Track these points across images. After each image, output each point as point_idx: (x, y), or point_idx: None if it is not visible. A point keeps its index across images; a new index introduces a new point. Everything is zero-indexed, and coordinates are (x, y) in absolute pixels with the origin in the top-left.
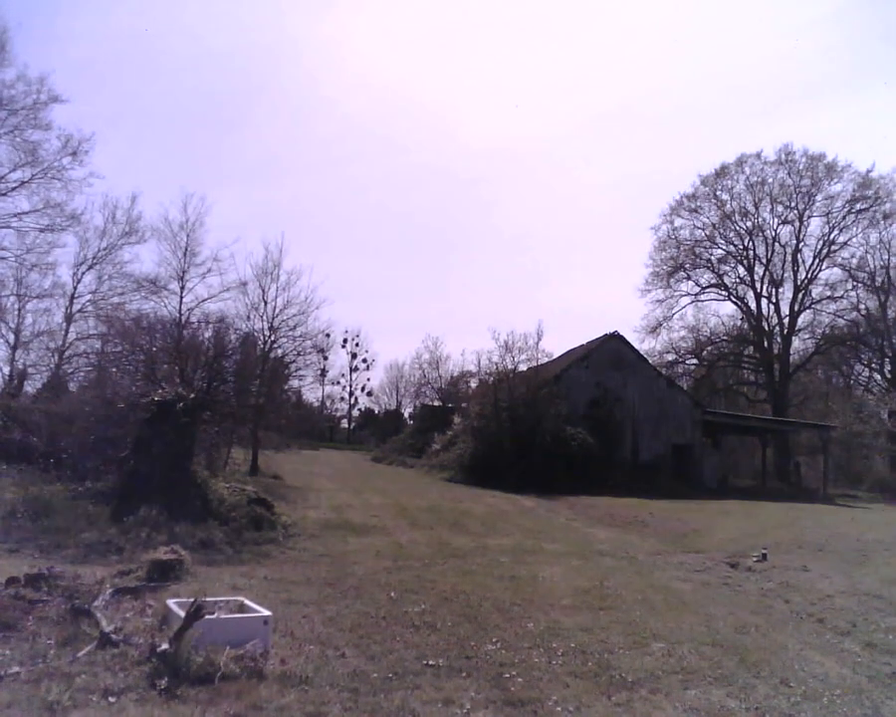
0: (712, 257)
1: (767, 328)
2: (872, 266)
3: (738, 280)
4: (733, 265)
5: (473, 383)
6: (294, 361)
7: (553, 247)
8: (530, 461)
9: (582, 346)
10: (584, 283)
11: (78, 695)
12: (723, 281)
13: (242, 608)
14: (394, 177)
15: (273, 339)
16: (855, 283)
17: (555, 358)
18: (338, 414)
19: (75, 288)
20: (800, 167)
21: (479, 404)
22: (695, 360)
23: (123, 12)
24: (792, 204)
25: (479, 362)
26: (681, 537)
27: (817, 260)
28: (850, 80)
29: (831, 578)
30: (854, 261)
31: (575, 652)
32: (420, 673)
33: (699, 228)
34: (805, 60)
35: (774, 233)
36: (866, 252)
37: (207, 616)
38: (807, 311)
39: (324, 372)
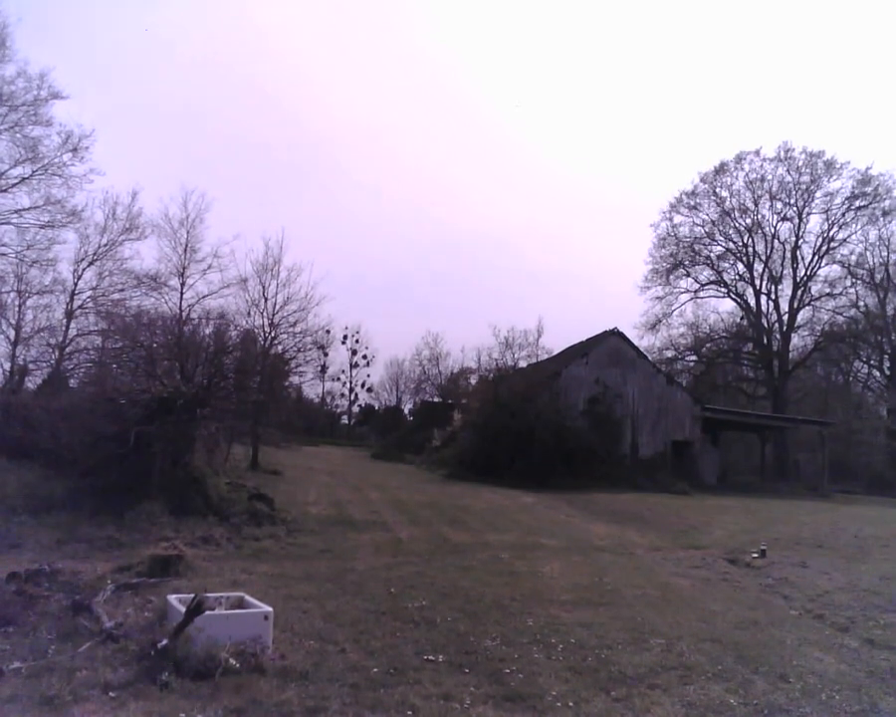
0: (711, 254)
1: (766, 324)
2: (871, 263)
3: (737, 277)
4: (732, 262)
5: (473, 380)
6: (294, 358)
7: (553, 243)
8: (529, 457)
9: (582, 342)
10: (585, 279)
11: (78, 690)
12: (722, 278)
13: (242, 604)
14: (394, 173)
15: (273, 335)
16: (854, 280)
17: (554, 354)
18: (339, 410)
19: (75, 284)
20: (800, 164)
21: (479, 401)
22: (694, 357)
23: (124, 9)
24: (792, 201)
25: (479, 359)
26: (680, 533)
27: (817, 257)
28: (851, 77)
29: (830, 574)
30: (853, 258)
31: (575, 648)
32: (420, 669)
33: (698, 225)
34: (805, 58)
35: (773, 230)
36: (865, 249)
37: (208, 612)
38: (807, 308)
39: (324, 369)
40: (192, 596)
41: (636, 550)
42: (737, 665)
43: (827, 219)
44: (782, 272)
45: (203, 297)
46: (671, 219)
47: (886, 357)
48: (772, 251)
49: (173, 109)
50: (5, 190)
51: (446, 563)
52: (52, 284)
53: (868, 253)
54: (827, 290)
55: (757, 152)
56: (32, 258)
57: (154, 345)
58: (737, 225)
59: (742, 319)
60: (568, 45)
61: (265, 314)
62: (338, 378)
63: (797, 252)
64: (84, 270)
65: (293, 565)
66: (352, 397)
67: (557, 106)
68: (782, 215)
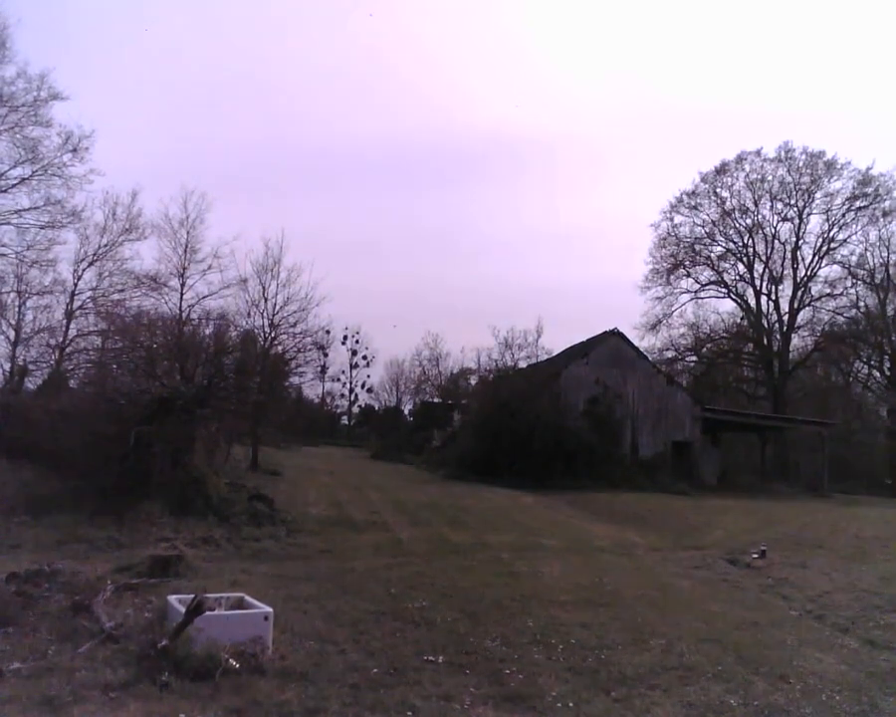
0: (712, 254)
1: (766, 325)
2: (872, 263)
3: (737, 277)
4: (732, 262)
5: (473, 380)
6: (294, 358)
7: (553, 243)
8: (529, 458)
9: (582, 342)
10: (585, 279)
11: (78, 690)
12: (722, 278)
13: (242, 604)
14: (393, 173)
15: (273, 335)
16: (855, 280)
17: (554, 354)
18: (339, 411)
19: (75, 284)
20: (800, 165)
21: (479, 401)
22: (694, 358)
23: (124, 10)
24: (792, 201)
25: (479, 360)
26: (680, 534)
27: (817, 257)
28: (851, 77)
29: (830, 574)
30: (854, 258)
31: (575, 648)
32: (420, 669)
33: (699, 225)
34: (805, 58)
35: (773, 230)
36: (866, 249)
37: (208, 612)
38: (807, 308)
39: (324, 369)
40: (192, 596)
41: (636, 550)
42: (737, 666)
43: (828, 220)
44: (782, 272)
45: (203, 297)
46: (671, 219)
47: (886, 357)
48: (772, 251)
49: (173, 108)
50: (5, 191)
51: (446, 563)
52: (52, 284)
53: (868, 253)
54: (828, 290)
55: (757, 153)
56: (32, 258)
57: (154, 345)
58: (737, 225)
59: (742, 319)
60: (569, 44)
61: (265, 314)
62: (339, 379)
63: (798, 252)
64: (84, 270)
65: (293, 565)
66: (352, 398)
67: (556, 105)
68: (782, 215)
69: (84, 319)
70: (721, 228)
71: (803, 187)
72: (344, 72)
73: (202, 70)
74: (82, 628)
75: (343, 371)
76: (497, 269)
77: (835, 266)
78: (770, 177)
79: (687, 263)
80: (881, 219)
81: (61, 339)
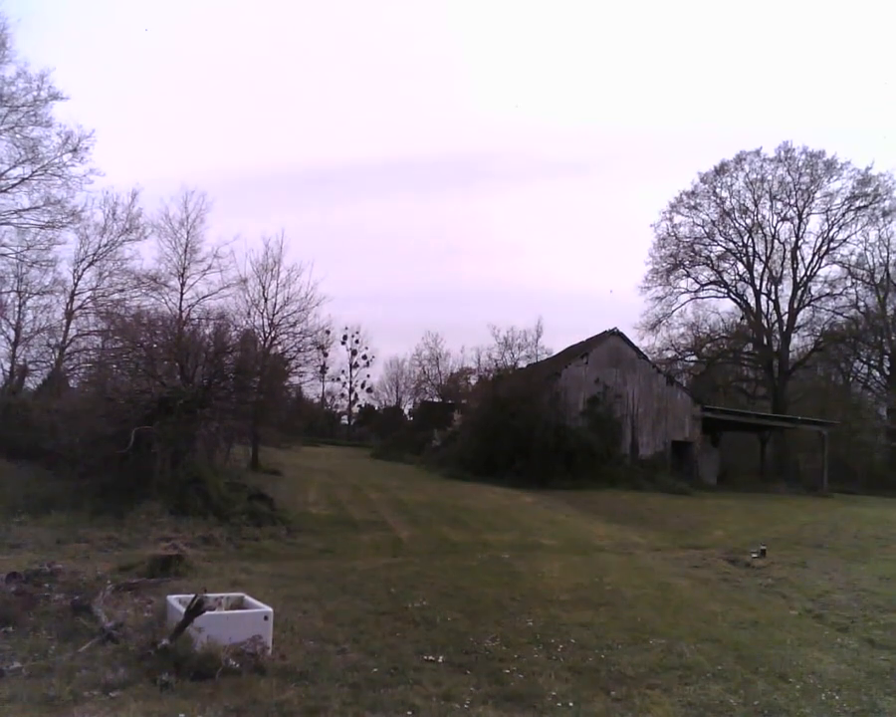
0: (711, 254)
1: (766, 325)
2: (871, 263)
3: (737, 277)
4: (732, 262)
5: (473, 380)
6: (294, 358)
7: (553, 244)
8: (529, 457)
9: (582, 342)
10: (585, 279)
11: (78, 690)
12: (722, 278)
13: (242, 604)
14: (394, 172)
15: (273, 335)
16: (854, 280)
17: (554, 354)
18: (339, 411)
19: (75, 284)
20: (800, 165)
21: (478, 401)
22: (694, 357)
23: (124, 9)
24: (792, 201)
25: (479, 359)
26: (680, 533)
27: (817, 257)
28: (851, 77)
29: (830, 574)
30: (853, 258)
31: (574, 648)
32: (420, 669)
33: (698, 225)
34: (806, 59)
35: (773, 230)
36: (865, 249)
37: (207, 612)
38: (807, 308)
39: (324, 369)
40: (192, 596)
41: (636, 550)
42: (736, 665)
43: (827, 219)
44: (781, 272)
45: (203, 297)
46: (671, 219)
47: (886, 357)
48: (772, 251)
49: (174, 109)
50: (5, 191)
51: (446, 563)
52: (52, 284)
53: (868, 253)
54: (827, 290)
55: (757, 152)
56: (32, 258)
57: (154, 345)
58: (737, 225)
59: (742, 319)
60: (569, 44)
61: (265, 314)
62: (338, 379)
63: (797, 252)
64: (84, 270)
65: (293, 565)
66: (352, 398)
67: (557, 105)
68: (782, 215)
69: (84, 319)
70: (720, 228)
71: (803, 187)
72: (345, 72)
73: (202, 70)
74: (82, 628)
75: (343, 371)
76: (498, 269)
77: (835, 266)
78: (769, 177)
79: (687, 263)
80: (881, 219)
81: (61, 339)
